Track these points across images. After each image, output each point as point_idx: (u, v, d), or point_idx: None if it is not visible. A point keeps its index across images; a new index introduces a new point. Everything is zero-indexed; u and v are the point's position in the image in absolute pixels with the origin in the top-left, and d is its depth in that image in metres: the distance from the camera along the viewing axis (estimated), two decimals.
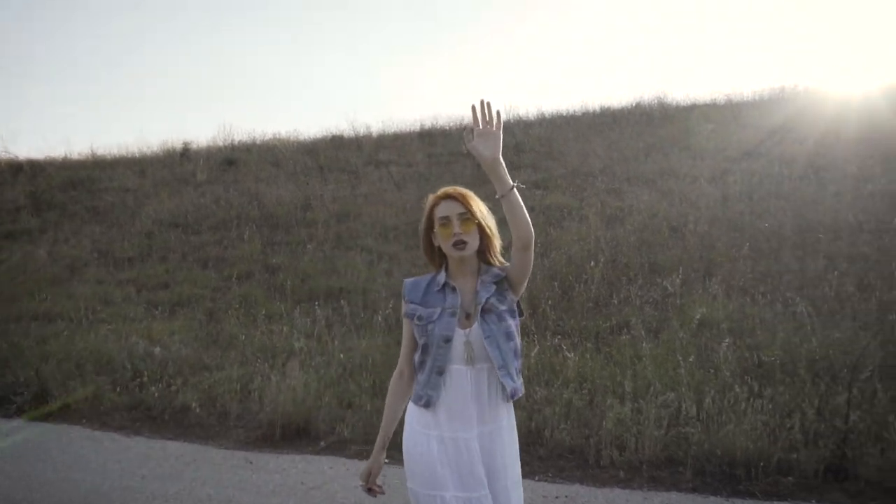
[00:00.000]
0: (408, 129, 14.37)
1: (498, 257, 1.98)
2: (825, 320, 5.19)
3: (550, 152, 11.31)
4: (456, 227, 1.89)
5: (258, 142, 14.80)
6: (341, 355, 5.24)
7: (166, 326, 6.48)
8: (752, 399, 3.80)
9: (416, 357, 1.97)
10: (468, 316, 1.90)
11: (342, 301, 6.57)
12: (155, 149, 15.02)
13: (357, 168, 11.93)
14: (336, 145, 13.62)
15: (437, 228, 1.92)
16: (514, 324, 1.90)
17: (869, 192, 8.12)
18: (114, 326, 6.52)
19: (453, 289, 1.93)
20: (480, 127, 1.79)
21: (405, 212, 9.31)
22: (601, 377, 4.40)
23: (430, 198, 1.97)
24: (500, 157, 1.78)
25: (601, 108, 13.96)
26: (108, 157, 14.96)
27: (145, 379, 5.21)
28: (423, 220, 1.97)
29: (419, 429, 1.92)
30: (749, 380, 4.10)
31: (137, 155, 14.84)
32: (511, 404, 1.96)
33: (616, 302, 5.94)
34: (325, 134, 14.80)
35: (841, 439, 3.43)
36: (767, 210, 7.93)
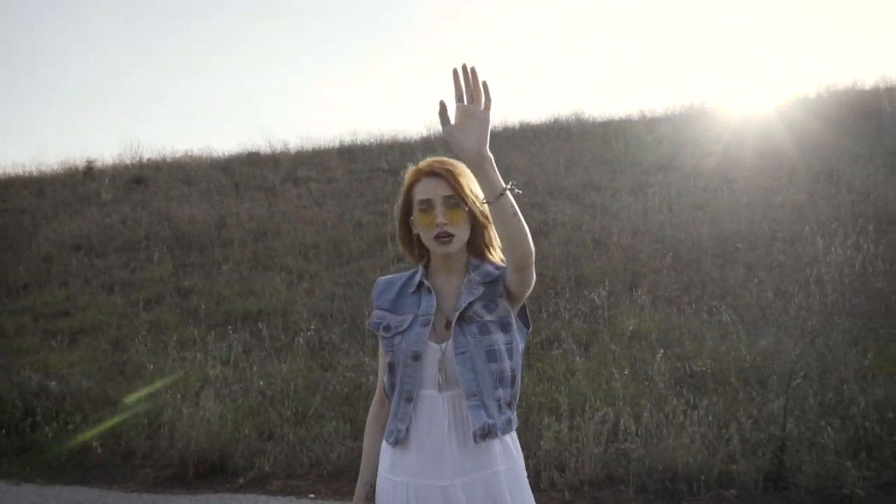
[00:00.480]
0: (327, 146, 14.07)
1: (496, 252, 1.57)
2: (749, 327, 5.25)
3: None
4: (440, 214, 1.49)
5: (169, 159, 14.15)
6: (260, 382, 4.91)
7: (65, 357, 5.95)
8: (688, 411, 3.74)
9: (386, 379, 1.56)
10: (448, 325, 1.49)
11: (261, 324, 6.23)
12: (55, 167, 14.14)
13: (274, 185, 11.54)
14: (252, 162, 13.17)
15: (415, 214, 1.52)
16: (503, 339, 1.48)
17: (779, 203, 8.40)
18: (3, 361, 5.95)
19: (429, 290, 1.54)
20: (465, 102, 1.32)
21: (325, 229, 9.02)
22: (535, 394, 4.27)
23: (409, 172, 1.57)
24: (488, 149, 1.32)
25: (520, 124, 14.08)
26: (2, 176, 13.99)
27: (38, 418, 4.72)
28: (400, 200, 1.56)
29: (385, 475, 1.53)
30: (684, 391, 4.05)
31: (35, 174, 13.92)
32: (513, 443, 1.53)
33: (545, 316, 5.86)
34: (240, 150, 14.31)
35: (778, 447, 3.40)
36: (686, 221, 8.08)
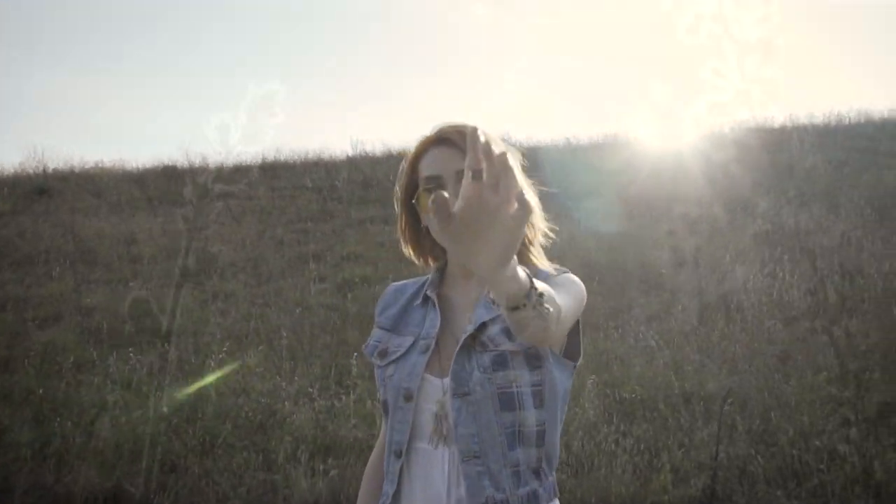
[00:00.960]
0: (249, 161, 13.62)
1: (538, 253, 1.21)
2: (674, 353, 5.25)
3: None
4: (453, 197, 1.07)
5: (77, 170, 13.36)
6: (164, 408, 4.53)
7: None
8: (619, 439, 3.63)
9: (383, 423, 1.22)
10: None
11: (168, 345, 5.81)
12: None
13: (191, 200, 11.03)
14: (168, 176, 12.59)
15: (419, 197, 1.16)
16: (528, 379, 1.08)
17: (699, 232, 8.59)
18: None
19: (434, 303, 1.19)
20: (478, 178, 0.69)
21: (244, 247, 8.63)
22: None
23: (418, 143, 1.20)
24: (513, 260, 0.79)
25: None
26: None
27: None
28: (401, 180, 1.20)
29: None
30: (614, 418, 3.94)
31: None
32: None
33: None
34: (155, 164, 13.67)
35: (710, 476, 3.32)
36: (612, 247, 8.15)
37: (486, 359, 1.09)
